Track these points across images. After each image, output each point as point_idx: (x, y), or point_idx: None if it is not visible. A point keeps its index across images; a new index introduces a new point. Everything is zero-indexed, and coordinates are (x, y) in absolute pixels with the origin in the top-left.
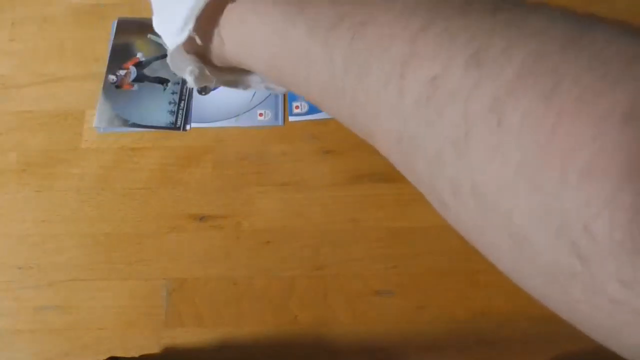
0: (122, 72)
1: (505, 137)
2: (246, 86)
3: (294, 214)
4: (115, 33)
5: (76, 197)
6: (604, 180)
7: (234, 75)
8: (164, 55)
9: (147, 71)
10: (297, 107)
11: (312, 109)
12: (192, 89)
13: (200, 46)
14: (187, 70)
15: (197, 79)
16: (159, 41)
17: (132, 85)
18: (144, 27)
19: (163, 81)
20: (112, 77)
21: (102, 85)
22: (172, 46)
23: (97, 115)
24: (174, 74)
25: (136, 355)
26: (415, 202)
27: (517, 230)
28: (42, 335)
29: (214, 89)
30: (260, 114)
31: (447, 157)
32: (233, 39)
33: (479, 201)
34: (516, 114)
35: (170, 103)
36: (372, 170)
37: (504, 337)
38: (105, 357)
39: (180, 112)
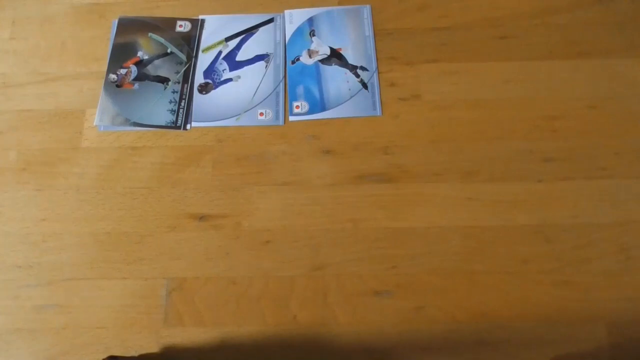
0: (122, 71)
1: None
2: None
3: (294, 214)
4: (116, 32)
5: (76, 196)
6: None
7: None
8: (165, 54)
9: (147, 70)
10: (297, 106)
11: (312, 109)
12: (193, 88)
13: None
14: None
15: None
16: (160, 40)
17: (133, 84)
18: (144, 26)
19: (164, 80)
20: (112, 76)
21: (102, 84)
22: None
23: (98, 114)
24: (175, 72)
25: (135, 354)
26: (414, 202)
27: None
28: (42, 333)
29: (215, 88)
30: (261, 114)
31: None
32: None
33: None
34: None
35: (170, 102)
36: (372, 170)
37: (503, 338)
38: (104, 356)
39: (181, 111)
